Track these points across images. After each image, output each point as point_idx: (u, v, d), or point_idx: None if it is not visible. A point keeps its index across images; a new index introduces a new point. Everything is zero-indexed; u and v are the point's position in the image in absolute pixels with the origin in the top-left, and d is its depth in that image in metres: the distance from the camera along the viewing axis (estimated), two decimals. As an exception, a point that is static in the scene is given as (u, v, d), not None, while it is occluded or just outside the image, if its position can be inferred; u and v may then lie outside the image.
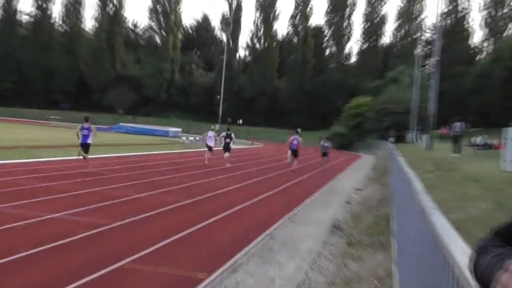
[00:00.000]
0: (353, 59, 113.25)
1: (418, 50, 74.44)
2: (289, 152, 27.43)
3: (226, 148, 26.63)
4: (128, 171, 19.91)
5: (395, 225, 9.23)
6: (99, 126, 68.14)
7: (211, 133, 26.94)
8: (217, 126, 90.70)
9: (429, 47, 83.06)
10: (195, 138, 46.18)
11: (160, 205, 12.52)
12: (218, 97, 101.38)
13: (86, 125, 19.33)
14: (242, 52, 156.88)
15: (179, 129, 72.68)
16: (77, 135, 19.21)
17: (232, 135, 27.04)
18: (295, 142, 27.01)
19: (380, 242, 9.35)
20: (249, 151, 47.09)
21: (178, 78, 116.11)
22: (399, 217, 8.11)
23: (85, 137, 19.15)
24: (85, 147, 19.21)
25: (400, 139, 56.10)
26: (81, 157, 19.43)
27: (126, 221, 10.23)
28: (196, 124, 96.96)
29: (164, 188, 15.74)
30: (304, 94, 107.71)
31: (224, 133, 27.08)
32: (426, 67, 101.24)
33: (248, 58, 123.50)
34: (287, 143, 27.90)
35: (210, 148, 26.58)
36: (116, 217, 10.47)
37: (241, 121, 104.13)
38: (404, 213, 6.90)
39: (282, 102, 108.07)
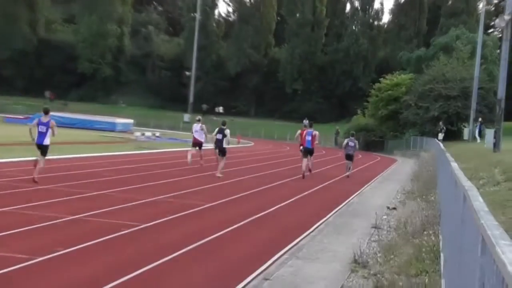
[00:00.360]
0: (386, 18, 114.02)
1: (482, 5, 74.70)
2: (302, 151, 29.91)
3: (220, 149, 27.61)
4: (55, 181, 19.92)
5: (444, 261, 9.25)
6: (12, 117, 68.10)
7: (197, 126, 29.81)
8: (187, 117, 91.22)
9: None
10: (154, 134, 46.12)
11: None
12: (188, 73, 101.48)
13: (44, 119, 20.15)
14: (223, 8, 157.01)
15: (131, 121, 72.57)
16: (30, 132, 20.11)
17: (227, 131, 27.81)
18: (308, 138, 29.16)
19: (424, 285, 9.36)
20: (236, 152, 47.18)
21: (128, 46, 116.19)
22: (451, 249, 8.12)
23: (42, 135, 20.03)
24: (43, 148, 20.11)
25: (452, 136, 56.33)
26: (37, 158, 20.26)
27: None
28: (156, 113, 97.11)
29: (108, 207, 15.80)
30: (313, 70, 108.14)
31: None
32: (494, 29, 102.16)
33: (233, 17, 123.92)
34: (295, 142, 29.86)
35: (198, 145, 29.71)
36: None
37: (221, 109, 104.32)
38: (458, 244, 6.90)
39: (281, 81, 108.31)
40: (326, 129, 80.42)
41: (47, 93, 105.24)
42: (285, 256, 12.20)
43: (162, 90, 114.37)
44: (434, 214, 14.98)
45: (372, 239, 14.55)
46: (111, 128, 64.72)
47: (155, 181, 22.99)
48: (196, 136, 30.09)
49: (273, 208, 18.55)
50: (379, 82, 72.19)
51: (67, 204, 16.07)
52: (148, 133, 49.45)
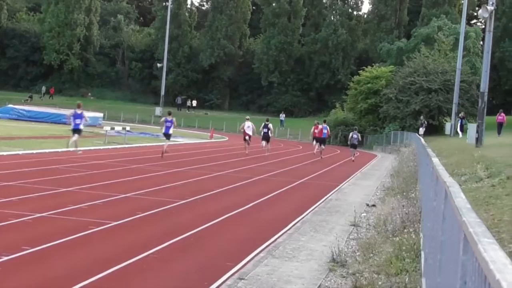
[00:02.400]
0: (365, 8, 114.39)
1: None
2: (314, 142, 43.89)
3: (266, 139, 41.55)
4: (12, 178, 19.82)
5: (425, 259, 9.31)
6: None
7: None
8: (159, 110, 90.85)
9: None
10: (124, 129, 45.84)
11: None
12: (159, 65, 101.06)
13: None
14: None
15: (100, 115, 72.17)
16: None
17: (270, 125, 41.98)
18: (325, 131, 43.25)
19: (404, 285, 9.41)
20: (210, 147, 46.98)
21: (97, 37, 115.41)
22: (432, 247, 8.17)
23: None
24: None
25: (433, 130, 56.70)
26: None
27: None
28: (126, 106, 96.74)
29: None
30: (290, 61, 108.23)
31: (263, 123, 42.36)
32: (477, 20, 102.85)
33: (206, 6, 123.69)
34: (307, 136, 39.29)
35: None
36: None
37: (194, 103, 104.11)
38: (439, 242, 6.94)
39: (256, 73, 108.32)
40: (303, 123, 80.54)
41: (44, 88, 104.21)
42: (261, 254, 12.23)
43: (133, 82, 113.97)
44: (414, 211, 15.07)
45: (350, 237, 14.62)
46: (79, 122, 64.18)
47: (126, 177, 22.93)
48: (248, 131, 40.81)
49: (249, 205, 18.57)
50: (358, 74, 72.36)
51: (33, 202, 15.97)
52: (118, 127, 49.01)
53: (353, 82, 72.30)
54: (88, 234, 12.69)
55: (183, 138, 54.81)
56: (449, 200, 6.25)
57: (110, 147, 37.82)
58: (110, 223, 13.95)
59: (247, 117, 45.21)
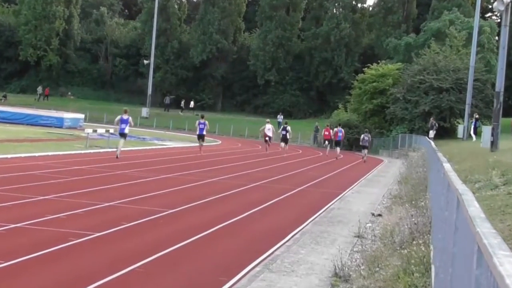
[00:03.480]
0: (370, 0, 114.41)
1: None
2: (327, 145, 54.23)
3: (285, 141, 49.53)
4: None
5: (436, 274, 9.31)
6: None
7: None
8: (145, 111, 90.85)
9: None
10: (107, 131, 45.79)
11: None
12: (146, 62, 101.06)
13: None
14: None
15: (81, 116, 72.16)
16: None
17: (288, 127, 50.21)
18: (340, 134, 52.31)
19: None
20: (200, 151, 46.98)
21: (78, 31, 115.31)
22: (443, 261, 8.18)
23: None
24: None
25: (444, 133, 56.70)
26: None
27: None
28: (110, 107, 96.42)
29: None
30: (289, 58, 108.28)
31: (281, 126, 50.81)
32: (492, 14, 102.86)
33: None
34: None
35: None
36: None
37: (192, 104, 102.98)
38: (450, 254, 6.95)
39: (252, 70, 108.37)
40: (303, 125, 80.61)
41: (40, 88, 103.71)
42: (257, 268, 12.21)
43: (117, 81, 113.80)
44: (424, 221, 15.06)
45: (354, 249, 14.61)
46: (59, 124, 64.17)
47: (110, 184, 22.91)
48: (268, 133, 50.52)
49: (244, 215, 18.56)
50: (363, 72, 72.34)
51: (7, 211, 15.95)
52: (101, 130, 48.98)
53: (357, 80, 72.30)
54: (67, 247, 12.67)
55: (171, 141, 54.75)
56: (461, 209, 6.26)
57: (92, 151, 37.76)
58: (92, 234, 13.93)
59: (267, 120, 56.39)
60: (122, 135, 35.10)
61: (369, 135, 53.31)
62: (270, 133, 50.70)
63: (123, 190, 21.53)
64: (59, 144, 40.54)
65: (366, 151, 50.83)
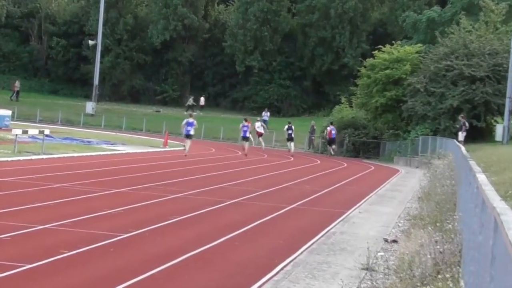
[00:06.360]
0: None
1: None
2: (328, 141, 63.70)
3: (291, 140, 61.25)
4: None
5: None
6: None
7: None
8: (90, 106, 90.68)
9: None
10: (41, 132, 45.69)
11: None
12: (91, 43, 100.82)
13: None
14: None
15: (7, 113, 71.95)
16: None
17: (293, 126, 58.12)
18: (333, 132, 61.67)
19: None
20: (163, 158, 47.02)
21: (2, 2, 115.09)
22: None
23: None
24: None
25: (478, 135, 56.84)
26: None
27: None
28: (45, 100, 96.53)
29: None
30: (276, 38, 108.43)
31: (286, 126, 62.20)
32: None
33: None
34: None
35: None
36: None
37: (202, 100, 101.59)
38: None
39: (229, 54, 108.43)
40: (295, 125, 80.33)
41: (16, 83, 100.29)
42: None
43: (54, 67, 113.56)
44: (452, 249, 15.09)
45: (362, 285, 14.58)
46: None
47: (44, 201, 22.81)
48: (260, 130, 61.78)
49: (219, 240, 18.52)
50: (373, 56, 72.38)
51: None
52: (33, 131, 48.85)
53: (365, 67, 72.22)
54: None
55: (125, 145, 54.69)
56: (500, 233, 6.23)
57: (21, 158, 37.61)
58: (22, 266, 13.85)
59: (258, 118, 68.29)
60: (188, 136, 49.28)
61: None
62: (261, 130, 60.57)
63: (61, 209, 21.48)
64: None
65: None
